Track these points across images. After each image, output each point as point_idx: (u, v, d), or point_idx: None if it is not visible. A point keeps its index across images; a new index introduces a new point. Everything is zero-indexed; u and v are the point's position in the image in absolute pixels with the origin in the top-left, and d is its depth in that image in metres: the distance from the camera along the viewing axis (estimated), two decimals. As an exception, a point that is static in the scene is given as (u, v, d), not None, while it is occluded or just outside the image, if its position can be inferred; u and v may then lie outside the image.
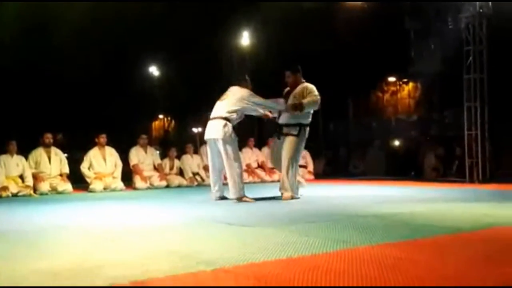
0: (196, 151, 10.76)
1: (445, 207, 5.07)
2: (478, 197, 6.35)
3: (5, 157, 8.43)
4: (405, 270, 2.28)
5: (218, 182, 6.39)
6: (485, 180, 9.11)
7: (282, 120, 6.40)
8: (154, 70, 18.06)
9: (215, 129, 6.11)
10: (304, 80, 6.46)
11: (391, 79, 16.29)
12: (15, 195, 8.12)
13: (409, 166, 12.11)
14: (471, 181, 9.15)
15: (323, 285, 2.07)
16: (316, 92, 6.29)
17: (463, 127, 9.49)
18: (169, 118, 24.83)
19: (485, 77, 9.32)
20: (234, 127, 6.14)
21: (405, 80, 15.96)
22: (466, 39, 9.33)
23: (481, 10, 9.17)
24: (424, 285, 2.07)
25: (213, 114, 6.25)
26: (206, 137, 6.32)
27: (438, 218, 4.17)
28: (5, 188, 8.06)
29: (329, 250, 2.78)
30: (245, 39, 13.63)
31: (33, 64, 13.53)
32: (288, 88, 6.53)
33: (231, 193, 6.08)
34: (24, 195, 8.18)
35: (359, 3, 11.92)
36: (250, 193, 6.22)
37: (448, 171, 10.91)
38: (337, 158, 14.75)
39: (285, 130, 6.35)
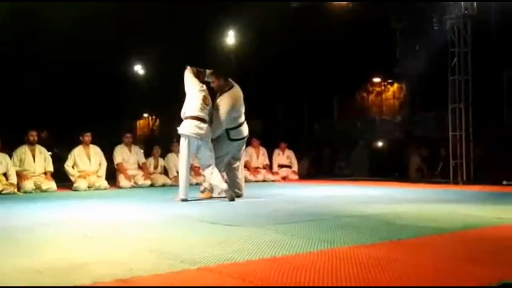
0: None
1: (428, 207, 5.13)
2: (462, 198, 6.40)
3: (-12, 155, 8.34)
4: (388, 270, 2.31)
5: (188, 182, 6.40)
6: (469, 181, 9.22)
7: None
8: (139, 69, 17.98)
9: (207, 130, 6.15)
10: (233, 84, 6.50)
11: (376, 79, 16.41)
12: (-2, 193, 8.04)
13: (394, 167, 12.19)
14: (455, 182, 9.23)
15: (306, 285, 2.09)
16: (223, 111, 6.31)
17: (447, 128, 9.59)
18: (153, 117, 24.71)
19: (469, 78, 9.42)
20: None
21: (390, 81, 16.08)
22: (451, 41, 9.42)
23: (466, 12, 9.27)
24: (407, 284, 2.10)
25: (202, 114, 6.19)
26: (196, 135, 6.13)
27: (421, 219, 4.21)
28: (-12, 186, 7.99)
29: (313, 249, 2.79)
30: (231, 38, 13.63)
31: (17, 59, 13.38)
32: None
33: (221, 192, 6.18)
34: (8, 193, 8.09)
35: (345, 3, 11.97)
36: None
37: (433, 172, 11.01)
38: (321, 158, 14.80)
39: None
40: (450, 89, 9.45)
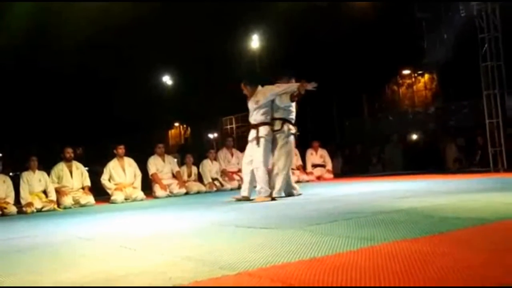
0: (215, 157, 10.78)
1: (469, 198, 4.97)
2: (503, 186, 6.19)
3: (27, 174, 8.57)
4: (432, 264, 2.24)
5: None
6: (510, 168, 8.93)
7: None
8: (167, 80, 18.17)
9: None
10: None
11: (406, 72, 16.16)
12: (39, 210, 8.24)
13: (430, 159, 11.95)
14: (496, 170, 8.98)
15: (349, 285, 2.04)
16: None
17: (482, 116, 9.35)
18: (184, 126, 24.98)
19: (502, 63, 9.17)
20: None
21: (420, 72, 15.81)
22: (480, 26, 9.19)
23: (492, -4, 9.05)
24: (451, 276, 2.03)
25: None
26: None
27: (462, 210, 4.10)
28: (30, 204, 8.20)
29: (353, 248, 2.73)
30: (255, 42, 13.64)
31: (46, 78, 13.66)
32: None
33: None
34: (48, 210, 8.29)
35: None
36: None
37: (471, 161, 10.74)
38: (354, 155, 14.64)
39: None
40: (482, 75, 9.22)
